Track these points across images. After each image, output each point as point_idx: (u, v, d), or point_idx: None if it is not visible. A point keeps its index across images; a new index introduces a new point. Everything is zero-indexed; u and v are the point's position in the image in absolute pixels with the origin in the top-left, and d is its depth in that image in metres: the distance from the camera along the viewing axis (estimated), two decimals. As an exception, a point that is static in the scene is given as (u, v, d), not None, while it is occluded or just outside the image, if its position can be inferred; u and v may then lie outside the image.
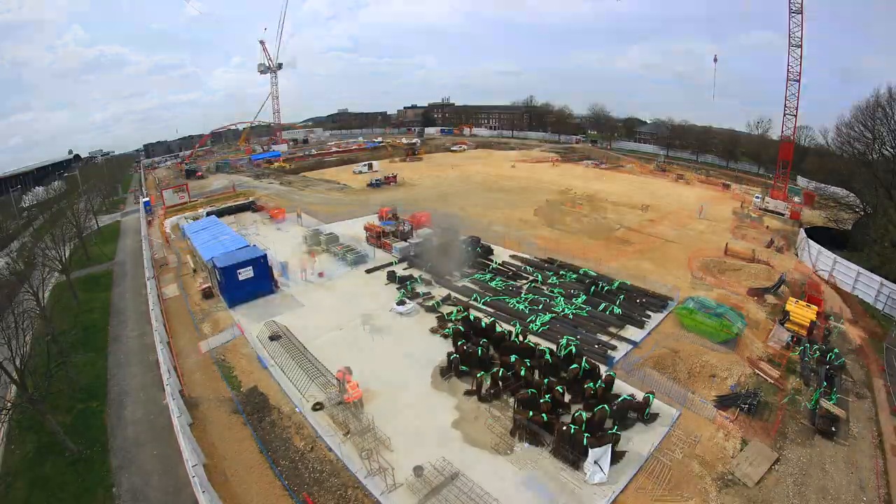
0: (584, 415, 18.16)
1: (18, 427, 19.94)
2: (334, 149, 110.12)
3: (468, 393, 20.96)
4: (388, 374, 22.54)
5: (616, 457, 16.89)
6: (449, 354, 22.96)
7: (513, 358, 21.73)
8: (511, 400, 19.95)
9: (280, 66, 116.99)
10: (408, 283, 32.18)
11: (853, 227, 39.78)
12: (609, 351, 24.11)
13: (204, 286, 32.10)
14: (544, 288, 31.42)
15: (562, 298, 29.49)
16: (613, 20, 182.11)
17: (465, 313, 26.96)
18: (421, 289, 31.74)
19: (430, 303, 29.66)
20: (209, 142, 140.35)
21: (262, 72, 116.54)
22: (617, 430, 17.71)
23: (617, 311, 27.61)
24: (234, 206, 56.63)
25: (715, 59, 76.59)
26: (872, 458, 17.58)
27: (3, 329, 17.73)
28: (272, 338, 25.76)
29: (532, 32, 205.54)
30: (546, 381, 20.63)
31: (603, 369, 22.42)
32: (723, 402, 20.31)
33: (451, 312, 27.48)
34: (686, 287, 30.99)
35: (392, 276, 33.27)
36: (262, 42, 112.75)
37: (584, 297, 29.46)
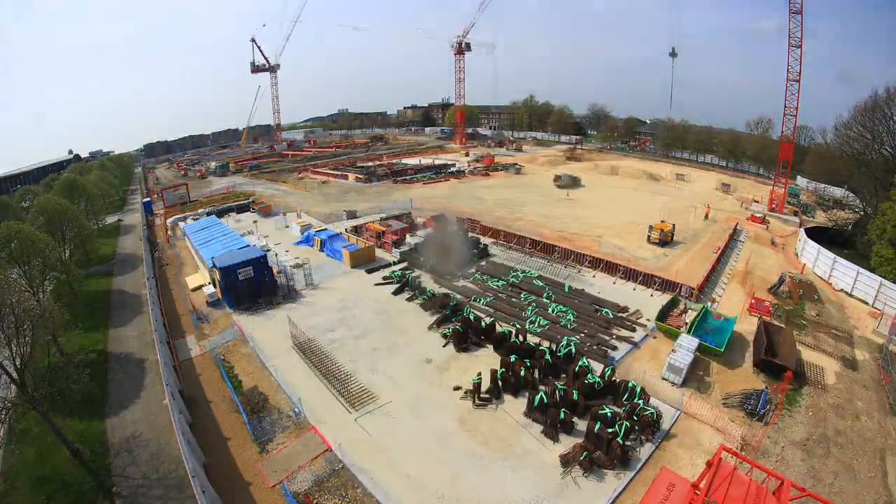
0: (609, 411, 18.21)
1: (19, 427, 19.96)
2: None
3: (467, 392, 20.89)
4: (389, 373, 22.62)
5: (624, 461, 16.96)
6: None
7: (513, 358, 21.73)
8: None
9: (278, 65, 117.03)
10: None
11: (853, 227, 39.83)
12: (609, 351, 24.15)
13: (210, 300, 31.18)
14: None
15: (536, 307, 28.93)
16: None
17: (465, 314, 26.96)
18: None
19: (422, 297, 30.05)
20: (209, 141, 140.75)
21: (254, 71, 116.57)
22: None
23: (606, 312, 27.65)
24: (235, 206, 56.82)
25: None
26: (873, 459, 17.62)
27: (4, 329, 17.69)
28: None
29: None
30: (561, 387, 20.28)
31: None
32: (729, 402, 20.46)
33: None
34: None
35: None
36: (253, 40, 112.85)
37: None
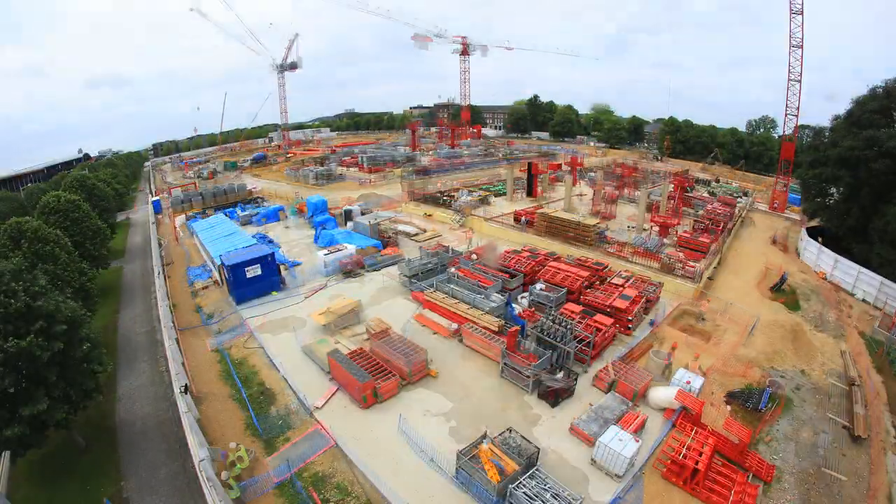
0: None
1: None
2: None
3: None
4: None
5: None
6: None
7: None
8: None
9: (290, 65, 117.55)
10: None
11: (852, 228, 39.64)
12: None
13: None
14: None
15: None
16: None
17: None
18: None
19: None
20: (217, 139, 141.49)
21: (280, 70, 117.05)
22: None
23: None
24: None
25: None
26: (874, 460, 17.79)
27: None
28: None
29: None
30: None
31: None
32: (732, 398, 20.75)
33: None
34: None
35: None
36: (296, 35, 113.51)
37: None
